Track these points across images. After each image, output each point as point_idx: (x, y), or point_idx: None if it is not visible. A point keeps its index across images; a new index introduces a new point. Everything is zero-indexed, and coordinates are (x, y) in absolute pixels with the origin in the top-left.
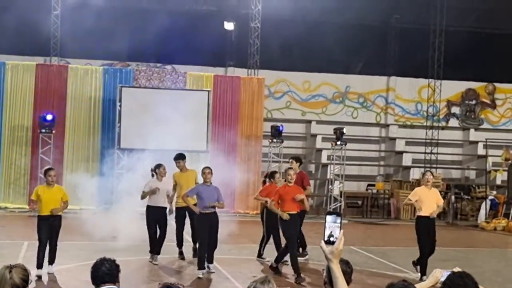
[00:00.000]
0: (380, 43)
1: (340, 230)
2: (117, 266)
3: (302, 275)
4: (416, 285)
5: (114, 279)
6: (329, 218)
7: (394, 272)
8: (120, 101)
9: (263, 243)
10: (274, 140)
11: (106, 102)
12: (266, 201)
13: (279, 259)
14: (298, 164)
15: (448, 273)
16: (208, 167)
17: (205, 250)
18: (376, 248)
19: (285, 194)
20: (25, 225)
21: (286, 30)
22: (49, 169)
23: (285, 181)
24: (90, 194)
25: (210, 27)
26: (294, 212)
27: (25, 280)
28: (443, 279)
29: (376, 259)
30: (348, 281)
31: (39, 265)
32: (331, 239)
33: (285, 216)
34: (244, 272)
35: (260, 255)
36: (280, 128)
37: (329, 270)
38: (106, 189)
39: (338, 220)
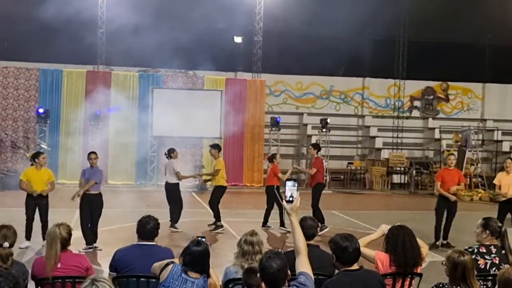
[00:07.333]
0: (357, 52)
1: (297, 191)
2: (158, 225)
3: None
4: (365, 237)
5: (154, 237)
6: (289, 183)
7: (365, 230)
8: (152, 99)
9: (268, 213)
10: (273, 128)
11: (141, 100)
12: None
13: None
14: (316, 150)
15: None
16: (93, 152)
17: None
18: (353, 212)
19: (446, 176)
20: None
21: (282, 41)
22: (40, 153)
23: (445, 164)
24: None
25: (223, 40)
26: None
27: (70, 234)
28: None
29: (352, 220)
30: (315, 234)
31: (28, 237)
32: (291, 199)
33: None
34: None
35: (265, 223)
36: (278, 119)
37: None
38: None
39: (296, 185)
